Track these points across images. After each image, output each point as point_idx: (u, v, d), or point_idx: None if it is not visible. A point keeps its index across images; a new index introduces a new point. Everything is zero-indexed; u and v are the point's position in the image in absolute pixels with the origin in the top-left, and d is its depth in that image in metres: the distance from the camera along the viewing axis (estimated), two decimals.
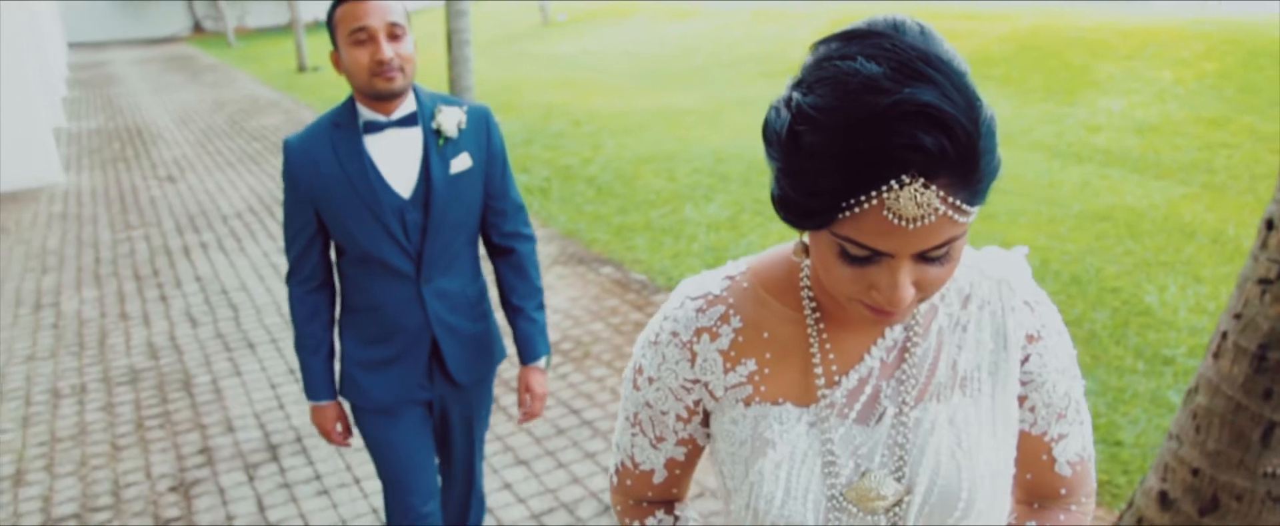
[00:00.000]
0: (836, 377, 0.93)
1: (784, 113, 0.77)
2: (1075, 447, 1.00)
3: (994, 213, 5.83)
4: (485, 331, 2.12)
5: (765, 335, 0.95)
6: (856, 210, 0.74)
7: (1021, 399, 0.97)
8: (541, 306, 2.16)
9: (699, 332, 0.97)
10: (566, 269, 5.40)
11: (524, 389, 2.19)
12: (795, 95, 0.76)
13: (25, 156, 8.44)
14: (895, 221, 0.74)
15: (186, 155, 9.57)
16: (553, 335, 4.41)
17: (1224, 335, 2.13)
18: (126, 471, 3.45)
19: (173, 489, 3.31)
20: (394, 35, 1.79)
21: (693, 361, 0.97)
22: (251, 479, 3.33)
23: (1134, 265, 4.86)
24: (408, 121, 1.90)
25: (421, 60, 14.43)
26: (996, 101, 9.08)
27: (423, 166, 1.91)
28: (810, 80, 0.76)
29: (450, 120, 1.91)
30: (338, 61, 1.86)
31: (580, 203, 6.78)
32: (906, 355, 0.93)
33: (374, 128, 1.89)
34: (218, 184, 8.13)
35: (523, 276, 2.13)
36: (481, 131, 1.97)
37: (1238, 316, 2.09)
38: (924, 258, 0.79)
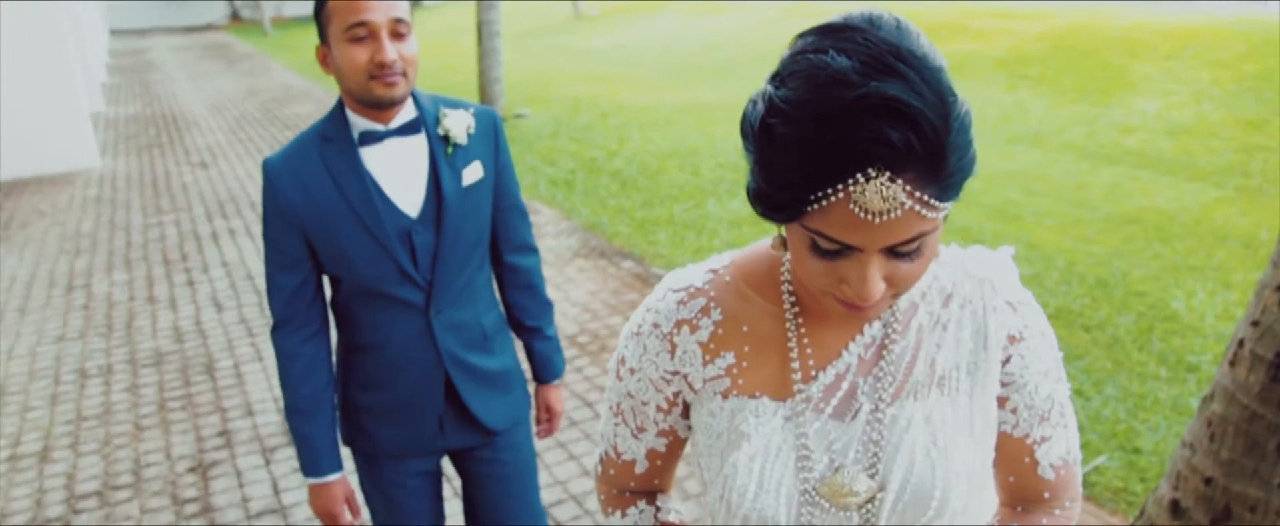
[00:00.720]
0: (813, 373, 0.93)
1: (759, 106, 0.77)
2: (1059, 451, 0.99)
3: (1020, 213, 5.76)
4: (507, 366, 1.88)
5: (745, 328, 0.95)
6: (823, 203, 0.74)
7: (1003, 400, 0.96)
8: (552, 319, 1.99)
9: (679, 324, 0.97)
10: (587, 262, 5.41)
11: (543, 407, 2.03)
12: (769, 88, 0.77)
13: (63, 141, 8.61)
14: (861, 215, 0.74)
15: (219, 142, 9.71)
16: (571, 328, 4.43)
17: (1241, 342, 2.09)
18: (148, 451, 3.51)
19: (191, 470, 3.37)
20: (398, 33, 1.56)
21: (672, 353, 0.98)
22: (268, 462, 3.38)
23: (1162, 269, 4.78)
24: (409, 129, 1.66)
25: (451, 52, 14.51)
26: (1028, 101, 8.97)
27: (431, 179, 1.67)
28: (784, 73, 0.76)
29: (459, 125, 1.68)
30: (326, 59, 1.61)
31: (604, 196, 6.79)
32: (884, 352, 0.93)
33: (371, 138, 1.64)
34: (248, 171, 8.23)
35: (533, 294, 1.93)
36: (490, 137, 1.75)
37: (1255, 323, 2.06)
38: (894, 253, 0.78)
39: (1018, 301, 0.96)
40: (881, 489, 0.90)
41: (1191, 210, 5.69)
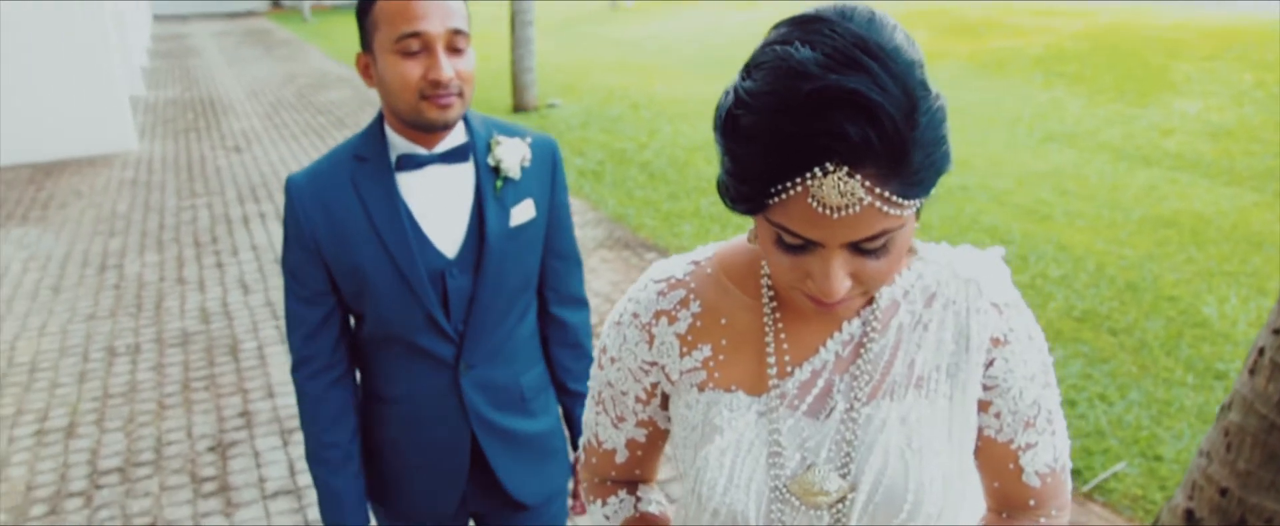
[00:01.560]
0: (789, 368, 0.92)
1: (728, 97, 0.76)
2: (1045, 458, 0.97)
3: (1051, 213, 5.67)
4: (546, 429, 1.66)
5: (723, 321, 0.94)
6: (783, 196, 0.74)
7: (986, 404, 0.94)
8: None
9: (658, 315, 0.97)
10: (611, 253, 5.41)
11: (579, 483, 1.77)
12: (737, 79, 0.76)
13: (103, 124, 8.78)
14: (820, 209, 0.73)
15: (254, 126, 9.84)
16: (591, 319, 4.44)
17: (1261, 351, 2.04)
18: (170, 430, 3.57)
19: (211, 449, 3.42)
20: (455, 47, 1.35)
21: (651, 343, 0.97)
22: (286, 444, 3.42)
23: (1194, 274, 4.69)
24: (456, 156, 1.45)
25: (486, 42, 14.54)
26: (1065, 100, 8.82)
27: (475, 215, 1.47)
28: (752, 65, 0.75)
29: (513, 155, 1.47)
30: (368, 69, 1.40)
31: (631, 187, 6.79)
32: (862, 350, 0.91)
33: (411, 163, 1.43)
34: (281, 156, 8.33)
35: (580, 354, 1.70)
36: (547, 170, 1.54)
37: (1277, 332, 2.00)
38: (859, 249, 0.77)
39: (1004, 303, 0.94)
40: (853, 489, 0.88)
41: (1228, 214, 5.57)
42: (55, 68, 8.43)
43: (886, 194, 0.72)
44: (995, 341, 0.92)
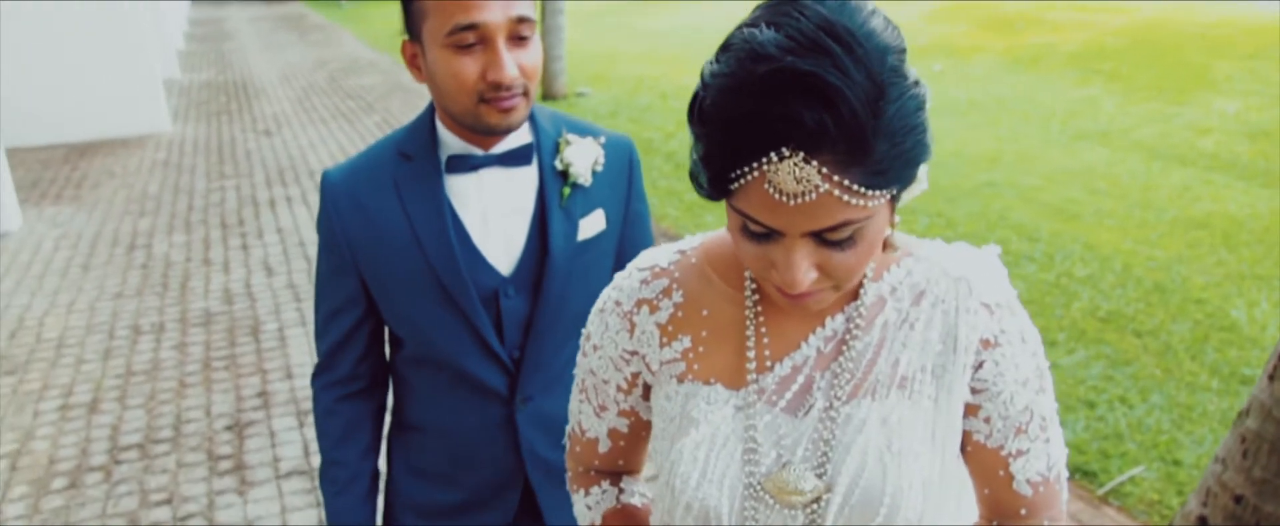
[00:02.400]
0: (769, 363, 0.90)
1: (699, 80, 0.75)
2: (1038, 466, 0.93)
3: (1080, 212, 5.58)
4: None
5: (705, 313, 0.93)
6: (742, 181, 0.72)
7: (975, 408, 0.90)
8: None
9: (640, 304, 0.96)
10: None
11: None
12: (708, 62, 0.75)
13: (137, 106, 8.91)
14: (777, 196, 0.71)
15: (285, 110, 9.93)
16: None
17: None
18: (189, 408, 3.62)
19: (228, 428, 3.46)
20: (518, 37, 1.15)
21: (631, 332, 0.96)
22: (301, 424, 3.46)
23: (1225, 277, 4.59)
24: (517, 157, 1.26)
25: None
26: (1100, 97, 8.67)
27: (536, 226, 1.28)
28: (722, 47, 0.74)
29: (584, 158, 1.28)
30: (415, 60, 1.21)
31: (656, 177, 6.77)
32: (845, 348, 0.88)
33: (463, 165, 1.25)
34: (310, 140, 8.41)
35: None
36: (622, 175, 1.35)
37: None
38: (824, 240, 0.75)
39: (996, 303, 0.90)
40: (829, 489, 0.86)
41: (1263, 217, 5.44)
42: (93, 50, 8.55)
43: (846, 182, 0.70)
44: (985, 343, 0.89)
